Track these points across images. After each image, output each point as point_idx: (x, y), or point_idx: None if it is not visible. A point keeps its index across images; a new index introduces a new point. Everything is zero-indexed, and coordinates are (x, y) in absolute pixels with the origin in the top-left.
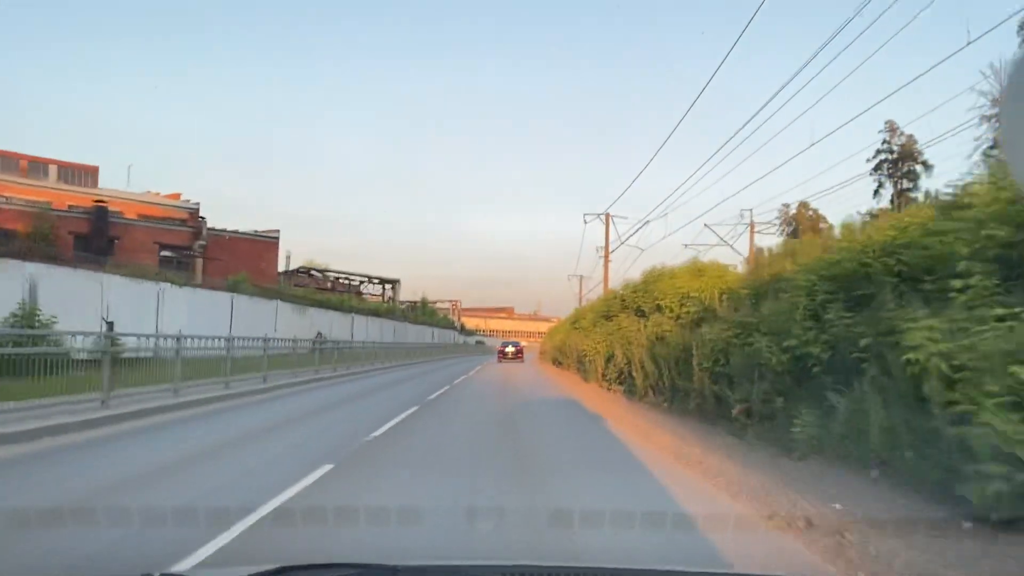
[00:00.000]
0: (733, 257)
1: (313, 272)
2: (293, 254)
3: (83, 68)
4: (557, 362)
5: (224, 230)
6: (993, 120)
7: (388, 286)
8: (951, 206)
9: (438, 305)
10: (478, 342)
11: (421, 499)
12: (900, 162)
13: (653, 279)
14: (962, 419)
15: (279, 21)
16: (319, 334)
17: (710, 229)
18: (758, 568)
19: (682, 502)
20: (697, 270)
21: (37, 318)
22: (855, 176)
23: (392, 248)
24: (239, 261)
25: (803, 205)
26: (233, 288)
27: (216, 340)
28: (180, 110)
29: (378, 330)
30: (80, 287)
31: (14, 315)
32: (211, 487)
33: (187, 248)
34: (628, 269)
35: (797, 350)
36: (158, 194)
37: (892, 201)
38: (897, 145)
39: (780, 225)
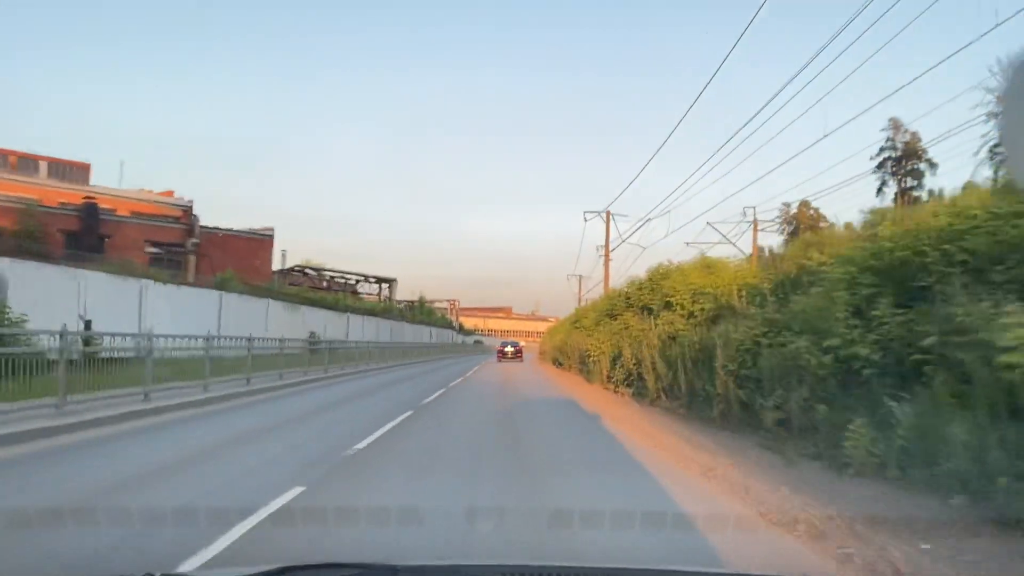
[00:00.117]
0: (736, 256)
1: (308, 271)
2: (291, 254)
3: (80, 66)
4: (557, 362)
5: (218, 228)
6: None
7: (385, 285)
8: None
9: (436, 305)
10: (476, 342)
11: (405, 539)
12: (904, 160)
13: (661, 276)
14: None
15: (279, 20)
16: (312, 333)
17: (712, 227)
18: None
19: (730, 546)
20: (706, 266)
21: (7, 316)
22: (858, 175)
23: (390, 248)
24: (233, 259)
25: (804, 204)
26: (221, 286)
27: (194, 339)
28: (177, 109)
29: (374, 330)
30: (56, 284)
31: None
32: (146, 519)
33: (179, 246)
34: (628, 268)
35: (840, 351)
36: (151, 191)
37: (895, 200)
38: (901, 142)
39: (781, 224)
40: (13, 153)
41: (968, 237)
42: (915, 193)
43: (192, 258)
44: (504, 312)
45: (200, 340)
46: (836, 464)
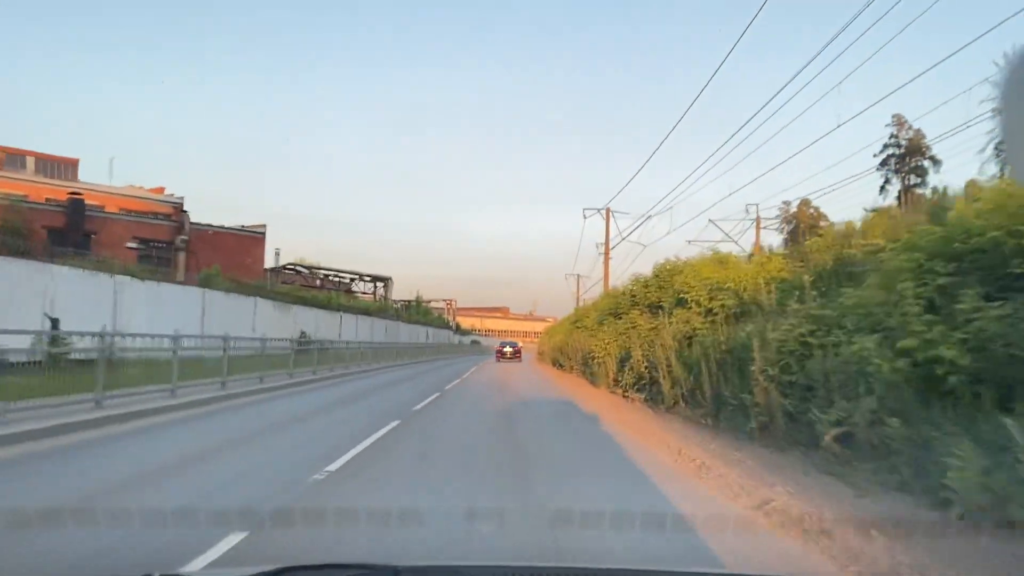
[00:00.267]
0: (739, 254)
1: (301, 269)
2: (288, 254)
3: (74, 63)
4: (558, 363)
5: (209, 225)
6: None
7: (380, 284)
8: None
9: (433, 304)
10: (473, 342)
11: None
12: (907, 157)
13: (669, 271)
14: None
15: (278, 20)
16: (303, 333)
17: (715, 225)
18: None
19: None
20: (719, 261)
21: None
22: (859, 173)
23: (387, 247)
24: (224, 257)
25: (804, 203)
26: (205, 283)
27: (160, 339)
28: (173, 107)
29: (368, 329)
30: (20, 280)
31: None
32: None
33: (168, 243)
34: (628, 267)
35: (919, 354)
36: (141, 188)
37: (899, 198)
38: (905, 139)
39: (781, 223)
40: (0, 149)
41: None
42: (919, 191)
43: (181, 255)
44: (501, 312)
45: (166, 340)
46: (930, 499)
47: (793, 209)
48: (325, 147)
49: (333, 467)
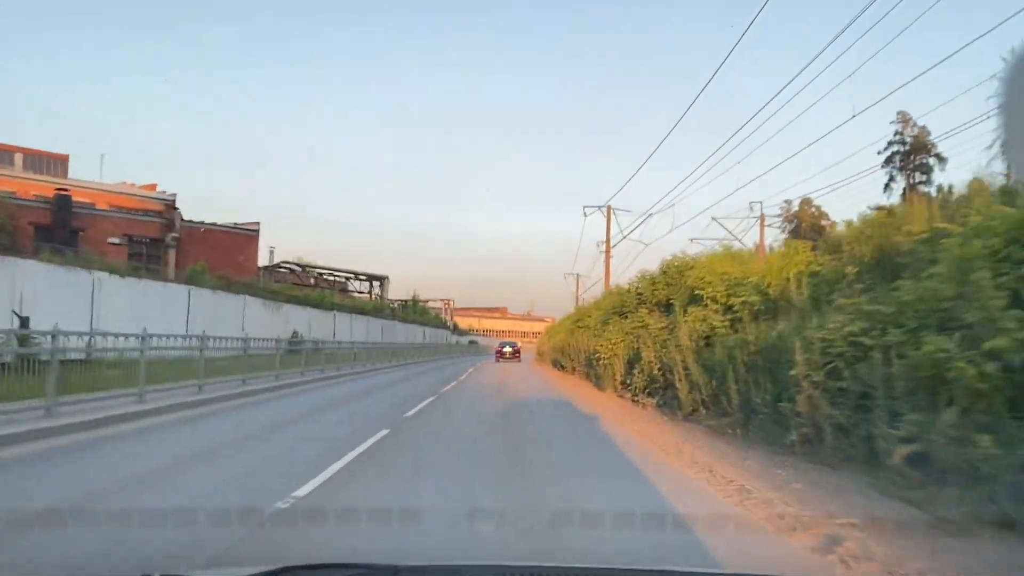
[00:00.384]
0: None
1: (295, 267)
2: (285, 253)
3: (72, 61)
4: (558, 364)
5: (201, 222)
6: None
7: (376, 283)
8: None
9: (430, 304)
10: (471, 342)
11: None
12: (912, 154)
13: (677, 267)
14: None
15: (276, 20)
16: (295, 333)
17: (718, 223)
18: None
19: None
20: (732, 257)
21: None
22: (863, 171)
23: (384, 247)
24: (216, 254)
25: (806, 202)
26: (191, 280)
27: (126, 339)
28: (169, 105)
29: (364, 329)
30: None
31: None
32: None
33: (158, 240)
34: (629, 266)
35: (1010, 355)
36: (133, 185)
37: (903, 196)
38: (910, 136)
39: (782, 222)
40: None
41: None
42: (924, 188)
43: (172, 253)
44: (500, 312)
45: (133, 339)
46: None
47: (795, 208)
48: (323, 146)
49: (302, 491)
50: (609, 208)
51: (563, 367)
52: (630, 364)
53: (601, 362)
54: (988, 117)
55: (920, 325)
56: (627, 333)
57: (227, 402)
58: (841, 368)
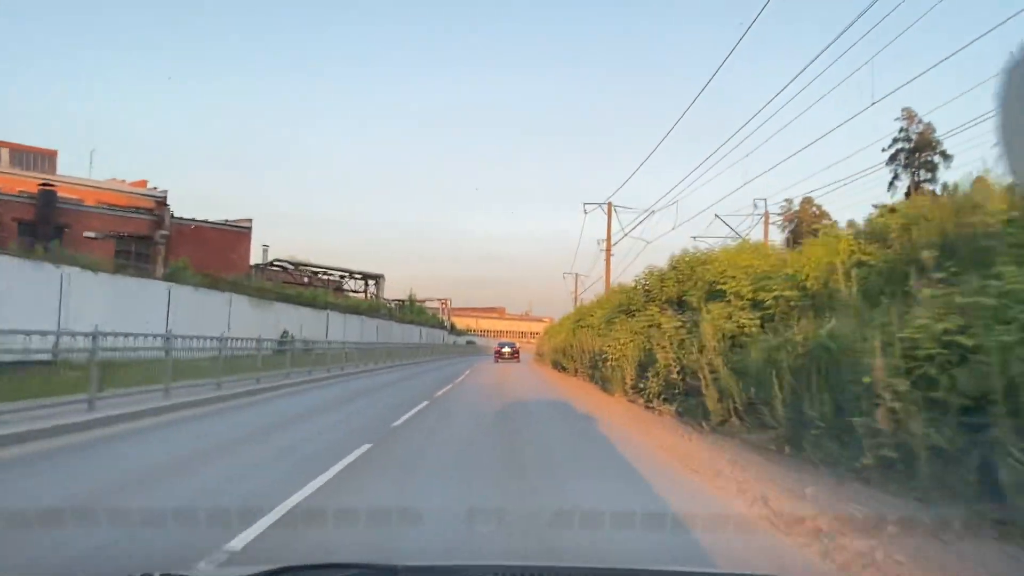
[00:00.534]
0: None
1: (287, 265)
2: (280, 252)
3: (69, 59)
4: (559, 366)
5: (192, 219)
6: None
7: (372, 282)
8: None
9: (427, 304)
10: (469, 342)
11: None
12: (917, 152)
13: (688, 263)
14: None
15: (276, 18)
16: (285, 332)
17: (721, 220)
18: None
19: None
20: (753, 249)
21: None
22: (867, 168)
23: (381, 246)
24: (207, 252)
25: (807, 201)
26: (172, 277)
27: (73, 338)
28: (165, 103)
29: (358, 329)
30: None
31: None
32: None
33: (147, 237)
34: (630, 265)
35: None
36: (123, 182)
37: (908, 194)
38: (915, 133)
39: (782, 222)
40: None
41: None
42: (929, 186)
43: (161, 250)
44: (497, 312)
45: (83, 339)
46: None
47: (795, 208)
48: (320, 145)
49: (239, 541)
50: (610, 205)
51: (564, 368)
52: (642, 366)
53: (608, 364)
54: (993, 115)
55: None
56: (636, 333)
57: (195, 409)
58: (934, 375)
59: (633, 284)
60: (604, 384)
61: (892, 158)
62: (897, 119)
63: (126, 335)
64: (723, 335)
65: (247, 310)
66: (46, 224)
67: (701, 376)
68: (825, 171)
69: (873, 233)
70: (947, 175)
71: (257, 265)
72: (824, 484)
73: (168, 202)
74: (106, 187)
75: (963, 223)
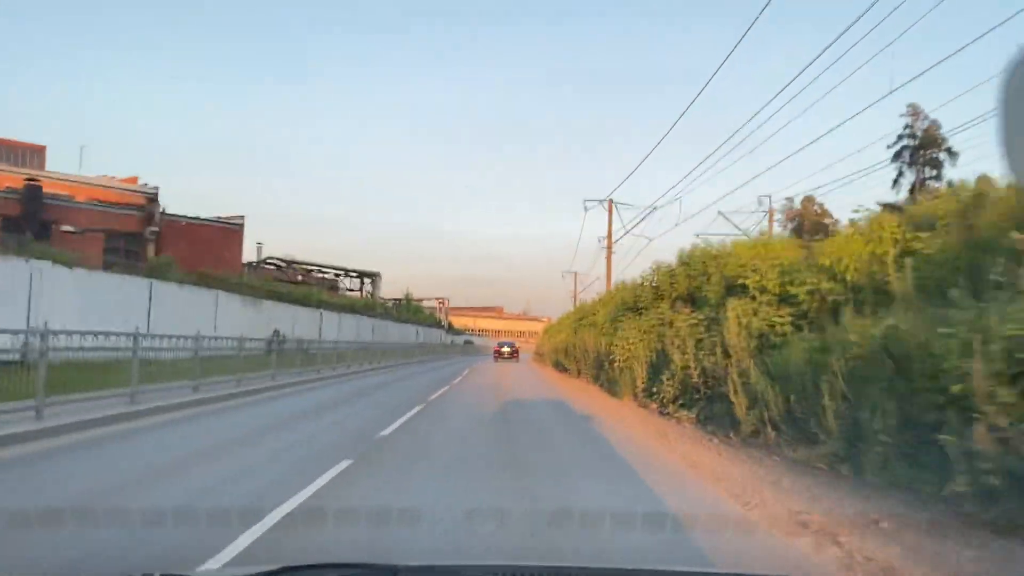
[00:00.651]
0: None
1: (280, 263)
2: (276, 250)
3: (68, 59)
4: (561, 366)
5: (183, 216)
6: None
7: (368, 280)
8: None
9: (425, 303)
10: (467, 342)
11: None
12: (922, 149)
13: (700, 257)
14: None
15: (274, 18)
16: (276, 331)
17: (724, 217)
18: None
19: None
20: (777, 243)
21: None
22: (871, 166)
23: (378, 245)
24: (198, 249)
25: (808, 200)
26: (154, 273)
27: (15, 336)
28: (162, 102)
29: (354, 328)
30: None
31: None
32: None
33: (137, 234)
34: (631, 263)
35: None
36: (113, 178)
37: (912, 191)
38: (920, 130)
39: (784, 220)
40: None
41: None
42: (935, 184)
43: (151, 247)
44: (495, 312)
45: (21, 337)
46: None
47: (796, 206)
48: (319, 145)
49: None
50: (611, 202)
51: (566, 369)
52: (654, 368)
53: (616, 365)
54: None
55: None
56: (645, 332)
57: (164, 415)
58: None
59: (641, 280)
60: (611, 386)
61: (897, 155)
62: (902, 115)
63: (85, 333)
64: (750, 333)
65: (236, 308)
66: (32, 220)
67: (729, 380)
68: (825, 170)
69: (919, 219)
70: (953, 172)
71: (250, 263)
72: (903, 517)
73: (160, 199)
74: (96, 183)
75: None
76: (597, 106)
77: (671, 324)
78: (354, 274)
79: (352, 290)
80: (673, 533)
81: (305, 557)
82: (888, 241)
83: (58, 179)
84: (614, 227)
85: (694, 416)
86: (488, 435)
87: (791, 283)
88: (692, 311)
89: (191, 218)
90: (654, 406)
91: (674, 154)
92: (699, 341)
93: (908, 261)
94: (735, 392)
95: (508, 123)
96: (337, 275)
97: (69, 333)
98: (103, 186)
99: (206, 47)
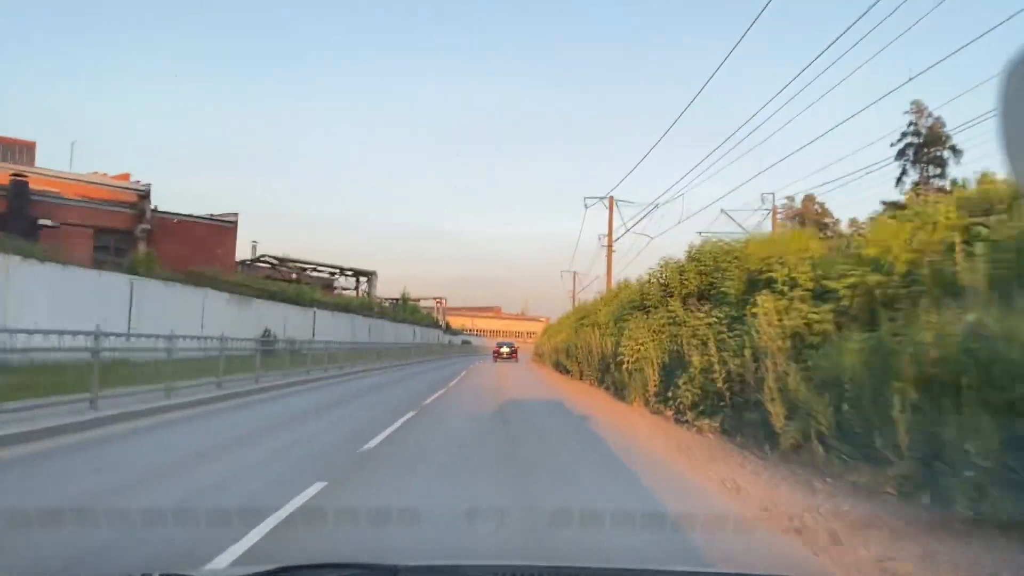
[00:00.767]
0: None
1: (274, 262)
2: (271, 249)
3: (66, 58)
4: (562, 367)
5: (175, 213)
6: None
7: (363, 279)
8: None
9: (422, 303)
10: (464, 342)
11: None
12: (926, 146)
13: (711, 252)
14: None
15: (273, 18)
16: (267, 331)
17: (727, 215)
18: None
19: None
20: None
21: None
22: (873, 164)
23: (375, 245)
24: (191, 247)
25: (809, 199)
26: (135, 269)
27: None
28: (160, 101)
29: (349, 328)
30: None
31: None
32: None
33: (128, 232)
34: (631, 262)
35: None
36: (105, 175)
37: (915, 189)
38: (924, 128)
39: (784, 219)
40: None
41: None
42: (939, 182)
43: (142, 245)
44: (493, 312)
45: None
46: None
47: (797, 205)
48: (317, 145)
49: None
50: (611, 199)
51: (568, 371)
52: (667, 371)
53: (625, 367)
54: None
55: None
56: (655, 331)
57: (127, 423)
58: None
59: (648, 277)
60: (618, 390)
61: (900, 153)
62: (906, 112)
63: (34, 332)
64: (784, 333)
65: (224, 307)
66: (19, 217)
67: (765, 386)
68: (825, 169)
69: (974, 204)
70: (957, 171)
71: (244, 261)
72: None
73: (151, 196)
74: (86, 180)
75: None
76: (597, 104)
77: (684, 323)
78: (350, 273)
79: (348, 289)
80: None
81: None
82: (944, 227)
83: (47, 175)
84: (615, 225)
85: (717, 425)
86: (485, 446)
87: (827, 276)
88: (709, 308)
89: (183, 215)
90: (669, 413)
91: (675, 152)
92: (721, 342)
93: (979, 247)
94: (771, 400)
95: (507, 122)
96: (332, 274)
97: (17, 331)
98: (93, 183)
99: (206, 47)
